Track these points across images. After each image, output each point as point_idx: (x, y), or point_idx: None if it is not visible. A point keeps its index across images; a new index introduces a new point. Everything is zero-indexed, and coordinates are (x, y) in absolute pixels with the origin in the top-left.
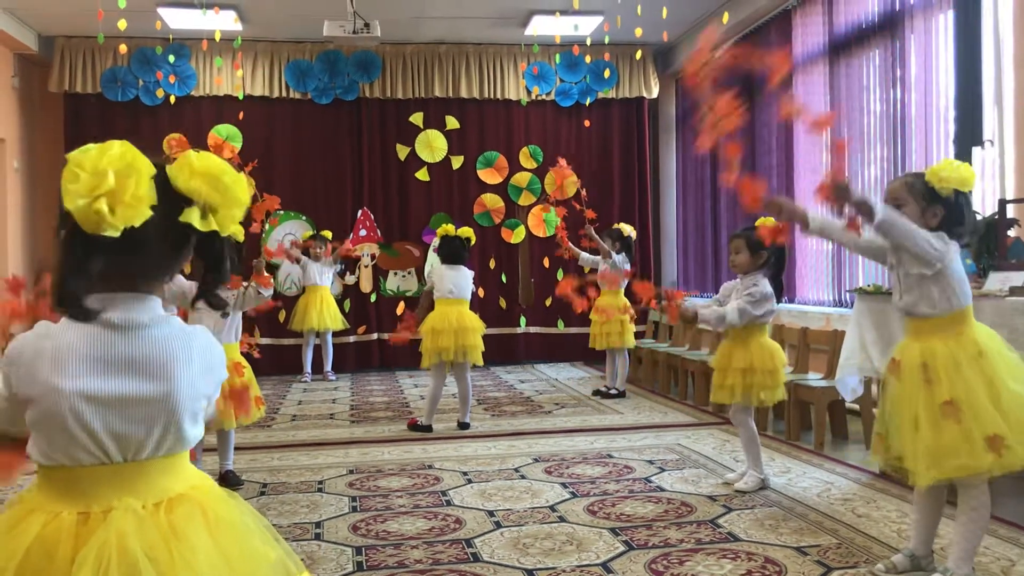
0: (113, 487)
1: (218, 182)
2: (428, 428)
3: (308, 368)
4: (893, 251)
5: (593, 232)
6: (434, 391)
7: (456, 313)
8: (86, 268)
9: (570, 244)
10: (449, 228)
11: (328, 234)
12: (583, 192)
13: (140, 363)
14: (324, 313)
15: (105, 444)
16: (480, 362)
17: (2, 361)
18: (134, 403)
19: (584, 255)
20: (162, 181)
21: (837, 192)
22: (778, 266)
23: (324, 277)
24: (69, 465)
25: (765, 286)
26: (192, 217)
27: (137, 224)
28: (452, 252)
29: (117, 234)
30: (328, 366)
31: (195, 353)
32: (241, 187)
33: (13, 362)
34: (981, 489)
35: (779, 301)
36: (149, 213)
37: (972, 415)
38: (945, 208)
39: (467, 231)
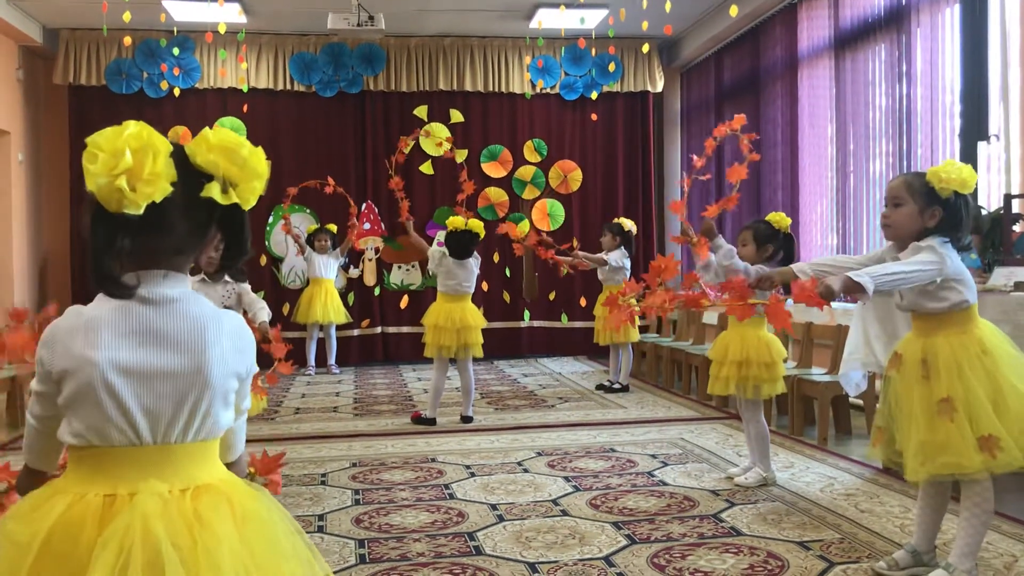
0: (140, 470)
1: (236, 155)
2: (432, 421)
3: (312, 361)
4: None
5: (580, 254)
6: (436, 383)
7: (460, 310)
8: (114, 246)
9: (560, 260)
10: (458, 221)
11: (333, 228)
12: (543, 235)
13: (171, 336)
14: (328, 306)
15: (136, 420)
16: (480, 354)
17: (38, 349)
18: (164, 376)
19: (583, 256)
20: (181, 159)
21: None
22: (786, 260)
23: (329, 270)
24: (99, 445)
25: None
26: (213, 191)
27: (158, 200)
28: (461, 247)
29: (139, 211)
30: (332, 359)
31: (225, 331)
32: (259, 160)
33: (47, 342)
34: (984, 485)
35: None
36: (169, 189)
37: (968, 414)
38: (944, 209)
39: (476, 225)
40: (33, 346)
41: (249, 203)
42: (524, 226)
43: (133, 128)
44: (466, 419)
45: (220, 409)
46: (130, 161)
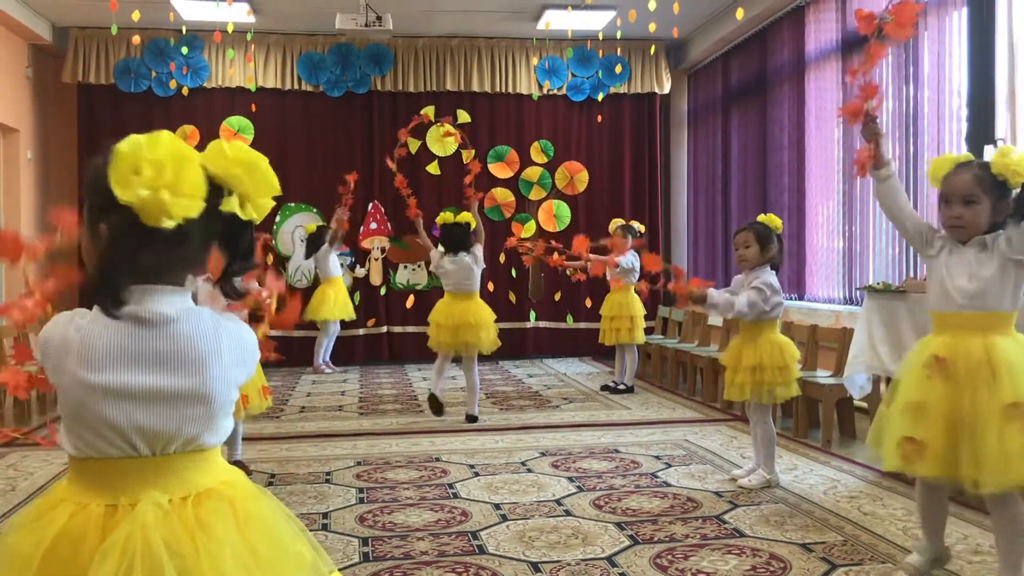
0: (141, 480)
1: (255, 170)
2: (433, 397)
3: (327, 358)
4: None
5: (592, 257)
6: (438, 365)
7: (460, 309)
8: (135, 260)
9: (569, 265)
10: (447, 216)
11: (311, 227)
12: (554, 245)
13: (169, 358)
14: (345, 304)
15: (132, 438)
16: (486, 351)
17: (36, 351)
18: (164, 398)
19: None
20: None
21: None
22: (779, 261)
23: (338, 268)
24: (97, 457)
25: (773, 280)
26: (233, 205)
27: (194, 215)
28: (453, 241)
29: (173, 225)
30: (327, 356)
31: (225, 346)
32: (273, 176)
33: (43, 351)
34: (1016, 499)
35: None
36: (203, 204)
37: None
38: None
39: (466, 216)
40: (34, 317)
41: (260, 218)
42: (530, 227)
43: (167, 139)
44: (471, 418)
45: (221, 421)
46: (172, 174)
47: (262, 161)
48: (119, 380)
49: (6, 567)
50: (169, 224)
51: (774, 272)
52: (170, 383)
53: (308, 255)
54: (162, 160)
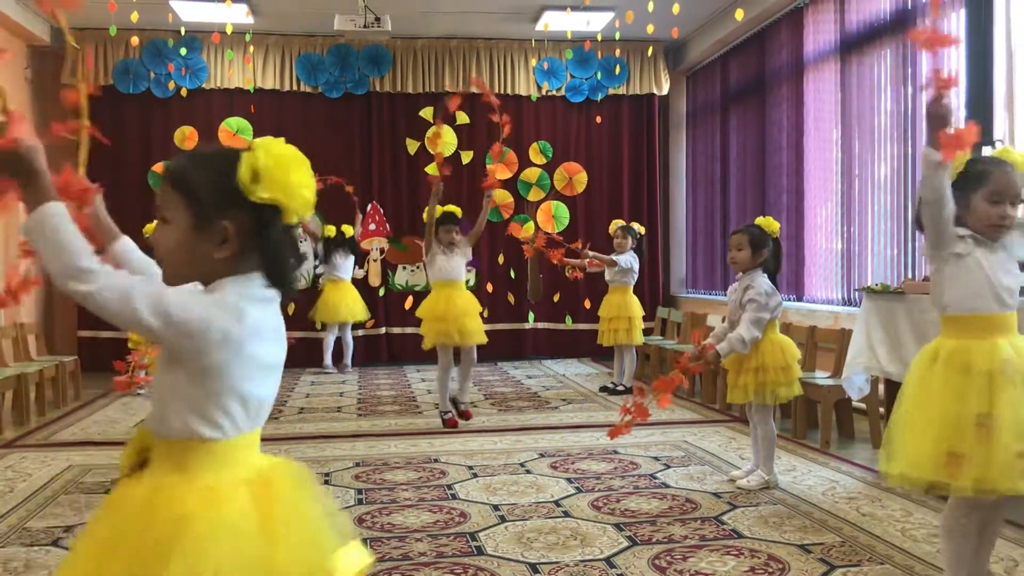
0: (255, 451)
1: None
2: (447, 413)
3: (329, 360)
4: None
5: (591, 253)
6: (440, 375)
7: (445, 296)
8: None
9: (568, 262)
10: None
11: (348, 230)
12: (556, 235)
13: (280, 332)
14: (353, 305)
15: (263, 411)
16: (479, 341)
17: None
18: (278, 369)
19: (589, 262)
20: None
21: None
22: (775, 264)
23: (346, 270)
24: (233, 437)
25: (763, 283)
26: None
27: (307, 216)
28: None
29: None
30: (348, 358)
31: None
32: (303, 180)
33: (204, 327)
34: None
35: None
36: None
37: None
38: None
39: (452, 208)
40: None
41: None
42: (529, 227)
43: (282, 146)
44: (454, 402)
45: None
46: (308, 178)
47: (300, 167)
48: (279, 356)
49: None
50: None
51: (766, 275)
52: (283, 356)
53: (327, 259)
54: (302, 161)
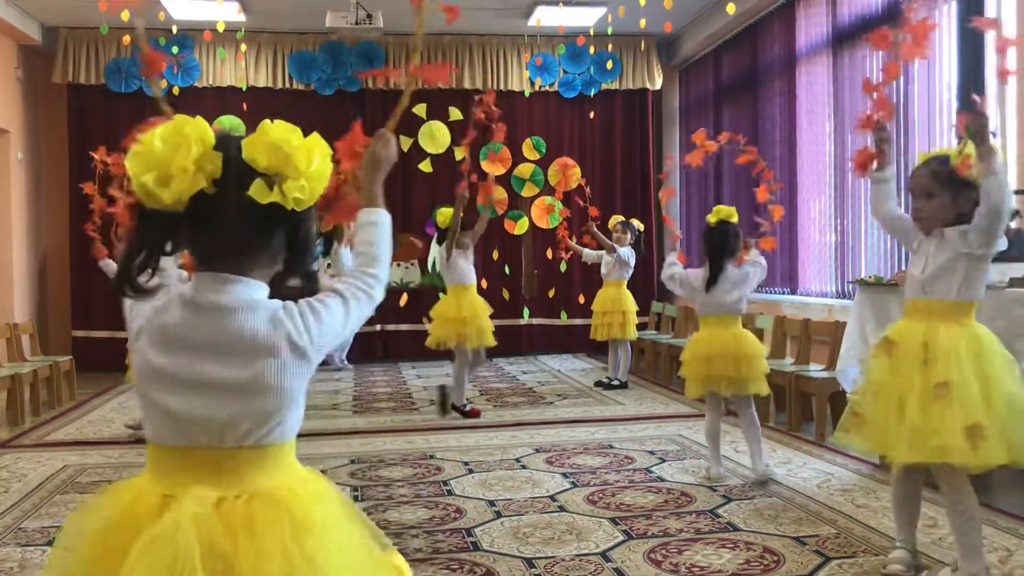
0: (195, 473)
1: (279, 150)
2: (463, 407)
3: (343, 356)
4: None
5: (595, 228)
6: (459, 372)
7: (467, 300)
8: (147, 244)
9: (569, 243)
10: (446, 211)
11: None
12: (587, 189)
13: (224, 347)
14: None
15: (181, 424)
16: (492, 343)
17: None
18: (215, 387)
19: (586, 251)
20: (235, 156)
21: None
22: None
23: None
24: (155, 443)
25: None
26: (254, 190)
27: (185, 197)
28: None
29: (177, 208)
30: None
31: (283, 339)
32: (305, 155)
33: (138, 326)
34: (965, 492)
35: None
36: (201, 184)
37: (960, 401)
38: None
39: (446, 209)
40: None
41: (297, 203)
42: (523, 223)
43: (173, 123)
44: (440, 388)
45: (288, 413)
46: (163, 156)
47: (291, 140)
48: (171, 364)
49: (72, 539)
50: (159, 206)
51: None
52: (222, 373)
53: (326, 253)
54: (148, 143)
